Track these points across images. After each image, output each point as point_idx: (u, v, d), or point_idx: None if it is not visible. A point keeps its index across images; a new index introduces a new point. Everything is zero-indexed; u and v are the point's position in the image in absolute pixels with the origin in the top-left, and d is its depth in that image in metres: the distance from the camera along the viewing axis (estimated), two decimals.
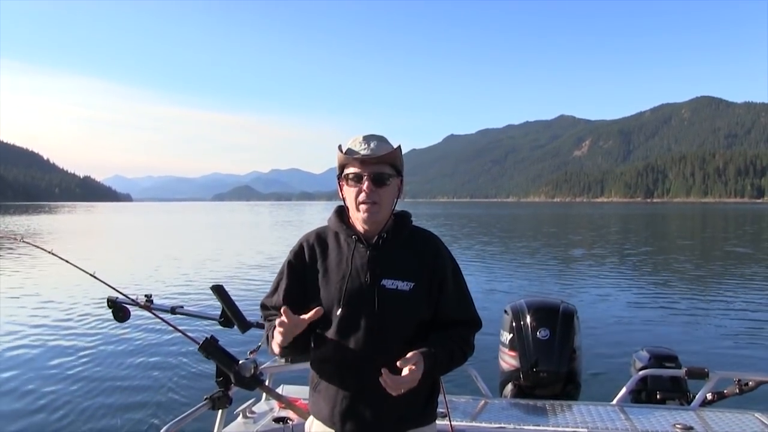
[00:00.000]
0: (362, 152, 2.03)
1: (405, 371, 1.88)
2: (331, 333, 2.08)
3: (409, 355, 1.91)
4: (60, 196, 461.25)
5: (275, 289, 2.21)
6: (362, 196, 2.03)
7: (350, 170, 2.07)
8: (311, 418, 2.21)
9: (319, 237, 2.21)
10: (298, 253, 2.20)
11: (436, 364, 1.98)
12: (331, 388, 2.09)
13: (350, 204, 2.09)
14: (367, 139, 2.07)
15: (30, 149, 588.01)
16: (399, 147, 2.08)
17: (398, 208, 2.20)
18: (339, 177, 2.13)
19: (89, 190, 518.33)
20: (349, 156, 2.05)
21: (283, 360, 3.61)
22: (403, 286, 2.04)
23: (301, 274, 2.17)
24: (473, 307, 2.20)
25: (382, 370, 1.87)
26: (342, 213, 2.18)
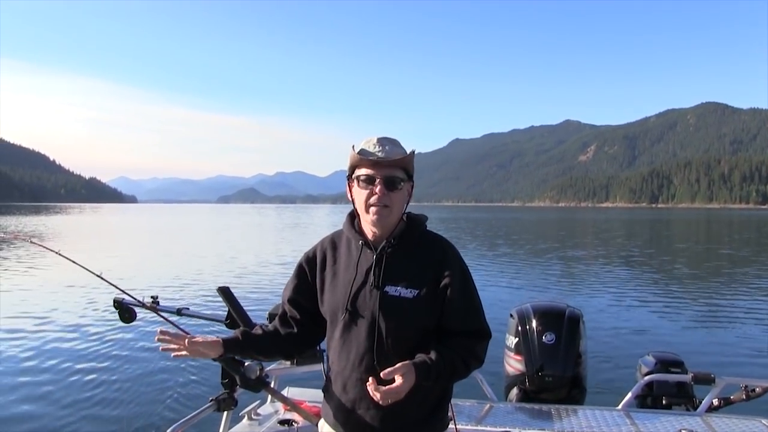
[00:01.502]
0: (377, 154, 2.01)
1: (396, 381, 1.86)
2: (336, 337, 2.09)
3: (397, 365, 1.89)
4: (65, 197, 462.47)
5: (285, 288, 2.27)
6: (373, 199, 2.01)
7: (362, 171, 2.04)
8: (322, 420, 2.23)
9: (333, 242, 2.21)
10: (310, 258, 2.22)
11: (431, 375, 1.94)
12: (336, 392, 2.10)
13: (359, 206, 2.07)
14: (382, 141, 2.04)
15: (36, 150, 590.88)
16: (413, 152, 2.07)
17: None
18: (349, 177, 2.11)
19: (94, 192, 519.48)
20: (363, 157, 2.01)
21: (288, 362, 3.62)
22: (407, 293, 2.01)
23: (311, 278, 2.19)
24: (482, 317, 2.12)
25: (369, 380, 1.88)
26: (354, 217, 2.17)
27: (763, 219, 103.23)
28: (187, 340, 2.07)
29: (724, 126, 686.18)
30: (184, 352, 2.07)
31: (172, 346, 2.07)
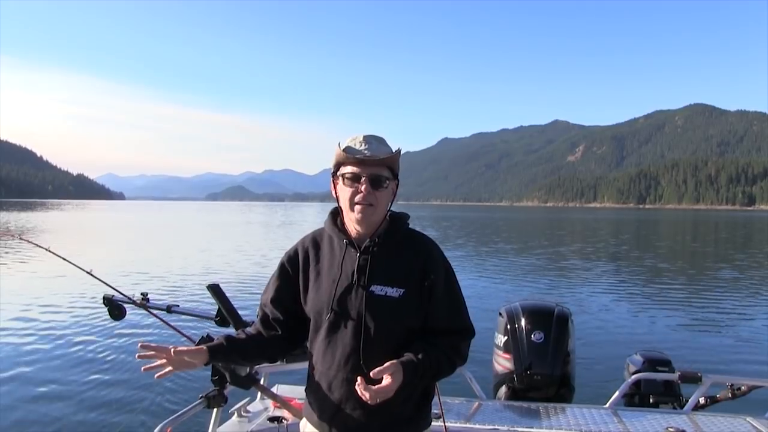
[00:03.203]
0: (364, 152, 2.00)
1: (384, 381, 1.87)
2: (321, 337, 2.08)
3: (386, 364, 1.89)
4: (53, 193, 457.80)
5: (266, 289, 2.23)
6: (359, 197, 2.00)
7: (348, 169, 2.03)
8: (304, 419, 2.21)
9: (314, 241, 2.19)
10: (292, 257, 2.19)
11: (418, 373, 1.95)
12: (320, 392, 2.09)
13: (344, 204, 2.06)
14: (368, 139, 2.03)
15: (23, 146, 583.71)
16: (399, 150, 2.06)
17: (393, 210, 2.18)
18: (334, 174, 2.10)
19: (82, 188, 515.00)
20: (349, 155, 2.00)
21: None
22: (393, 292, 2.01)
23: (294, 277, 2.17)
24: (466, 316, 2.15)
25: (358, 380, 1.88)
26: (336, 216, 2.16)
27: (749, 220, 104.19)
28: (172, 350, 1.97)
29: (712, 128, 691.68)
30: (168, 368, 1.98)
31: (158, 362, 1.97)
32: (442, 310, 2.08)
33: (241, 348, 2.16)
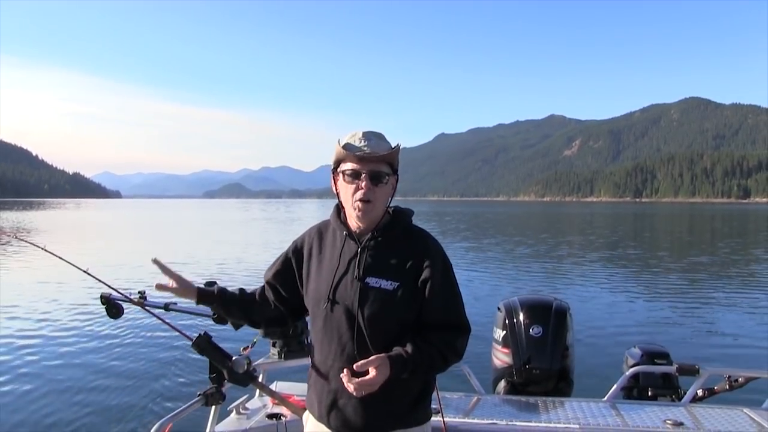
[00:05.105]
0: (363, 149, 2.02)
1: (369, 374, 1.89)
2: (318, 328, 2.12)
3: (371, 357, 1.92)
4: (49, 192, 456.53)
5: (271, 266, 2.34)
6: (359, 194, 2.03)
7: (347, 166, 2.06)
8: (307, 411, 2.25)
9: (320, 232, 2.25)
10: (299, 245, 2.27)
11: (407, 368, 1.96)
12: (319, 383, 2.13)
13: (345, 200, 2.10)
14: (367, 135, 2.05)
15: (18, 145, 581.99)
16: (398, 146, 2.08)
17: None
18: (334, 171, 2.13)
19: (79, 187, 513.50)
20: (349, 152, 2.02)
21: (276, 356, 3.62)
22: (387, 285, 2.04)
23: (297, 264, 2.24)
24: (462, 311, 2.15)
25: (344, 371, 1.91)
26: (340, 209, 2.19)
27: (744, 213, 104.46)
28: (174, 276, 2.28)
29: (707, 121, 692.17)
30: (173, 284, 2.27)
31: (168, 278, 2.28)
32: (437, 305, 2.09)
33: (228, 300, 2.33)
